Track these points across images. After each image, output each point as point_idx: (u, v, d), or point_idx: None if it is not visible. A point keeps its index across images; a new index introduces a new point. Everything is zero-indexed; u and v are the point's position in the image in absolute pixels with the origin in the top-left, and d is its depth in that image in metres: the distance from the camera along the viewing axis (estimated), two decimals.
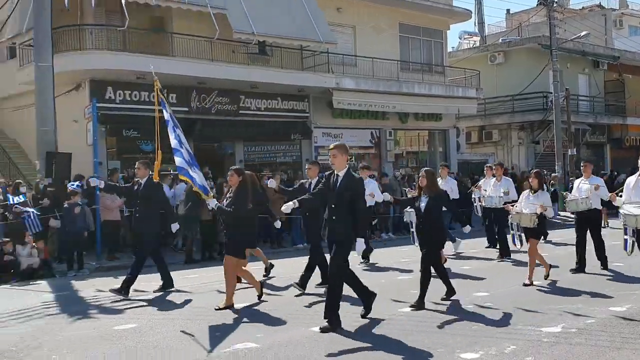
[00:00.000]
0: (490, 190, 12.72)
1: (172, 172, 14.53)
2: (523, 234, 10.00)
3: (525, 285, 9.31)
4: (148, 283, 9.89)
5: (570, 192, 11.04)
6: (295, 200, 7.54)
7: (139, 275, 9.37)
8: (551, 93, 26.49)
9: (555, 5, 26.18)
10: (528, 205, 9.71)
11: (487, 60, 31.07)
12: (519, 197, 10.57)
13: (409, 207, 10.89)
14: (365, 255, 11.97)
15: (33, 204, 12.78)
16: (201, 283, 10.28)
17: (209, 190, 9.03)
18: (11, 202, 12.34)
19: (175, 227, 10.01)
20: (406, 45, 25.72)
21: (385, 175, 19.79)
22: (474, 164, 27.39)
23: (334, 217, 7.07)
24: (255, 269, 9.85)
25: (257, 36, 19.11)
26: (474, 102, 26.40)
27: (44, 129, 14.23)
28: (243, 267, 8.63)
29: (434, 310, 7.84)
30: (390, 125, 24.62)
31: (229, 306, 8.12)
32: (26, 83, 17.14)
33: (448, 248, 12.35)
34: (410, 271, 10.70)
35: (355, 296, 7.61)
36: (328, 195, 7.20)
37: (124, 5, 16.29)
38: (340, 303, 7.04)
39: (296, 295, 8.92)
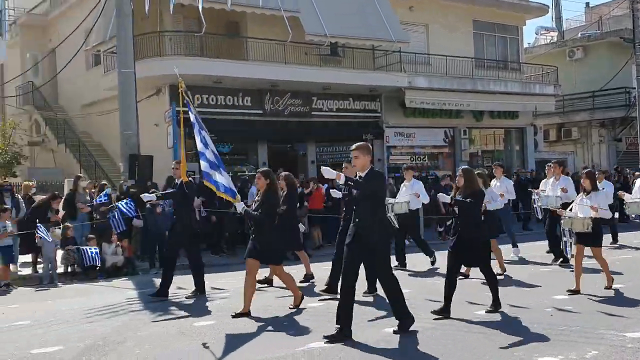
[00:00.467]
0: (548, 190, 11.85)
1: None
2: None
3: (568, 291, 8.68)
4: (226, 281, 10.13)
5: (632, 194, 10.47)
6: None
7: (218, 274, 9.56)
8: (634, 88, 25.43)
9: None
10: (582, 208, 8.87)
11: (565, 56, 30.14)
12: None
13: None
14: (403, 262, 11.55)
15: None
16: (278, 280, 10.41)
17: (236, 193, 8.64)
18: (97, 201, 12.88)
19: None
20: (480, 42, 25.28)
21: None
22: None
23: (357, 220, 6.67)
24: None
25: (329, 37, 19.27)
26: (551, 99, 25.66)
27: (127, 132, 14.79)
28: (281, 271, 8.33)
29: (509, 313, 7.69)
30: (465, 124, 24.25)
31: (246, 313, 7.78)
32: (110, 89, 17.88)
33: (507, 252, 12.05)
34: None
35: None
36: (350, 198, 6.85)
37: (200, 11, 16.77)
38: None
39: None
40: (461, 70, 23.34)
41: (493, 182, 12.36)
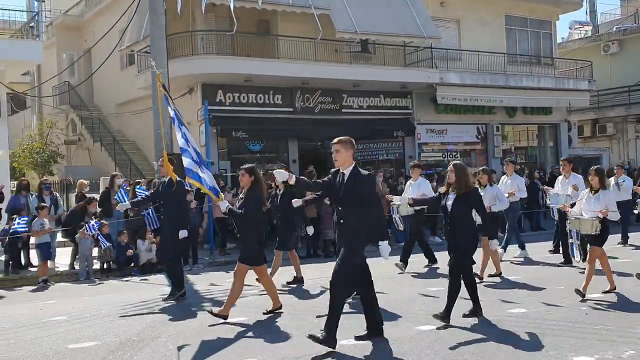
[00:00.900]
0: (557, 188, 11.36)
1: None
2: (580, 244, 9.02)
3: (576, 291, 8.22)
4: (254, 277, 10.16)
5: None
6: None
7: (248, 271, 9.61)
8: None
9: None
10: (589, 208, 8.40)
11: (599, 51, 29.59)
12: None
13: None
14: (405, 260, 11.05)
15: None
16: (307, 279, 10.44)
17: (219, 191, 8.33)
18: (141, 195, 13.02)
19: (183, 233, 9.19)
20: (513, 37, 24.97)
21: (494, 172, 18.98)
22: (587, 159, 26.15)
23: (341, 221, 6.39)
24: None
25: (360, 35, 19.24)
26: (586, 94, 25.23)
27: (160, 131, 14.99)
28: (263, 275, 7.98)
29: (544, 312, 7.61)
30: (498, 120, 23.99)
31: (222, 316, 7.53)
32: (144, 88, 18.14)
33: (512, 252, 11.93)
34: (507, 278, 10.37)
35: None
36: (333, 196, 6.57)
37: (232, 10, 16.90)
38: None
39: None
40: (493, 65, 23.10)
41: (504, 179, 12.18)
